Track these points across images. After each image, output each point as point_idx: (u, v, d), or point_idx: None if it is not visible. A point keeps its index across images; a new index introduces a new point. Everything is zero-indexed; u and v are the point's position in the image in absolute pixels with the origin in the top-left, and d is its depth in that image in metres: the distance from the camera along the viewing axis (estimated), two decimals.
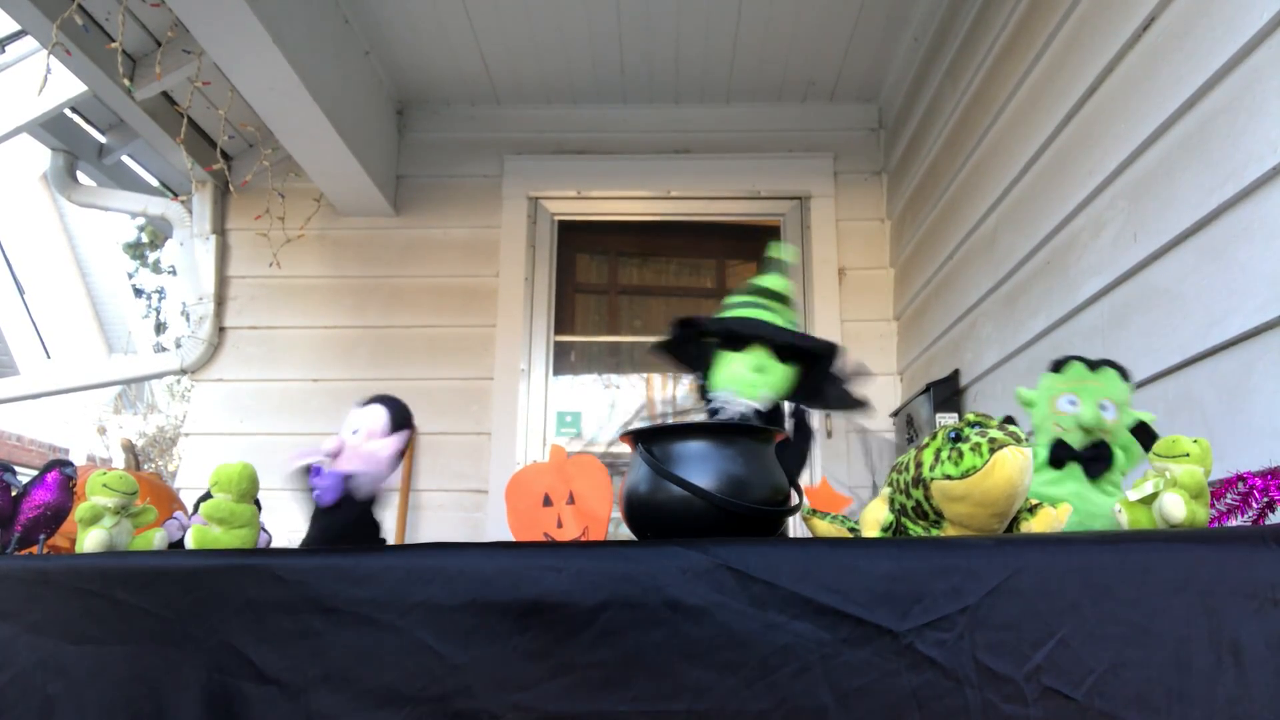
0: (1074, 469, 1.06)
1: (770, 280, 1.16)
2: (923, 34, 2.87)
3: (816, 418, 3.09)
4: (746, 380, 1.07)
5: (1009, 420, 1.08)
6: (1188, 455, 0.91)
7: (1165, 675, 0.72)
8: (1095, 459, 1.05)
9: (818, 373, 1.12)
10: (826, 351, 1.11)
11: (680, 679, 0.76)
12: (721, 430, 1.03)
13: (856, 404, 1.14)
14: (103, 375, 3.66)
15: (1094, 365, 1.10)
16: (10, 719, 0.84)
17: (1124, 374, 1.09)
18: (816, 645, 0.75)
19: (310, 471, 1.20)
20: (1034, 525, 0.91)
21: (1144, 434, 1.06)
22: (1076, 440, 1.07)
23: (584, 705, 0.77)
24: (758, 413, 1.08)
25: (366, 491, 1.21)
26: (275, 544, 1.31)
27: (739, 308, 1.13)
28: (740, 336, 1.08)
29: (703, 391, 1.13)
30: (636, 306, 3.55)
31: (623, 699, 0.76)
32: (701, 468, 0.98)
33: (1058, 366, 1.12)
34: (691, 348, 1.16)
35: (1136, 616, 0.73)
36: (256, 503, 1.31)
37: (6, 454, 9.29)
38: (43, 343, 9.53)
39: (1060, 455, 1.07)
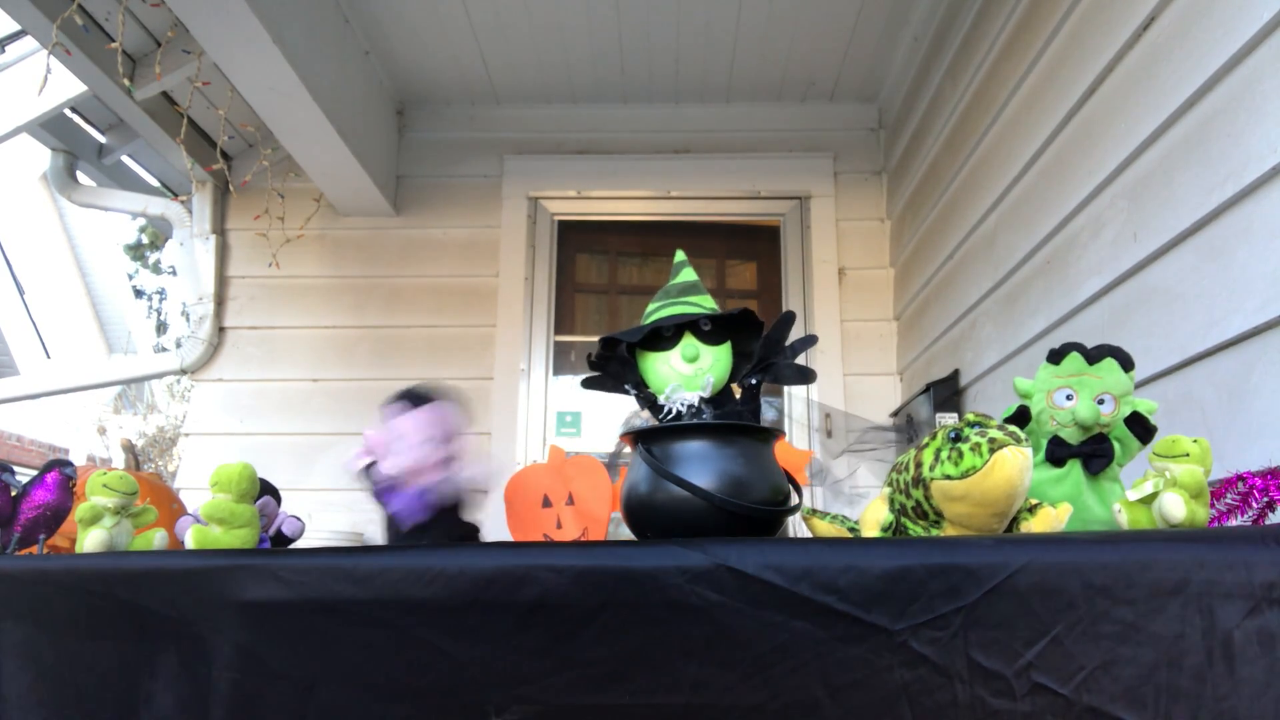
0: (1075, 465, 1.04)
1: (680, 276, 1.14)
2: (923, 34, 2.87)
3: (815, 416, 3.09)
4: (682, 372, 1.06)
5: (1020, 412, 1.06)
6: (1188, 455, 0.91)
7: (1156, 672, 0.73)
8: (1095, 455, 1.03)
9: (763, 346, 1.10)
10: (747, 318, 1.09)
11: (679, 674, 0.77)
12: (721, 430, 1.03)
13: (805, 377, 1.12)
14: (103, 375, 3.66)
15: (1093, 356, 1.04)
16: (45, 714, 0.85)
17: (1125, 363, 1.04)
18: (812, 643, 0.76)
19: (381, 498, 1.15)
20: (1034, 525, 0.91)
21: (1138, 425, 1.02)
22: (1073, 436, 1.04)
23: (586, 699, 0.78)
24: (709, 400, 1.07)
25: (445, 498, 1.17)
26: None
27: (656, 313, 1.11)
28: (661, 334, 1.07)
29: (651, 402, 1.10)
30: (636, 306, 3.55)
31: (623, 693, 0.77)
32: (701, 468, 0.98)
33: (1056, 357, 1.07)
34: (617, 368, 1.13)
35: (1131, 615, 0.74)
36: (274, 493, 1.31)
37: (6, 454, 9.29)
38: (43, 343, 9.53)
39: (1058, 453, 1.04)
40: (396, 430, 1.15)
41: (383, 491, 1.15)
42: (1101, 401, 1.02)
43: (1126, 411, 1.03)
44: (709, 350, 1.06)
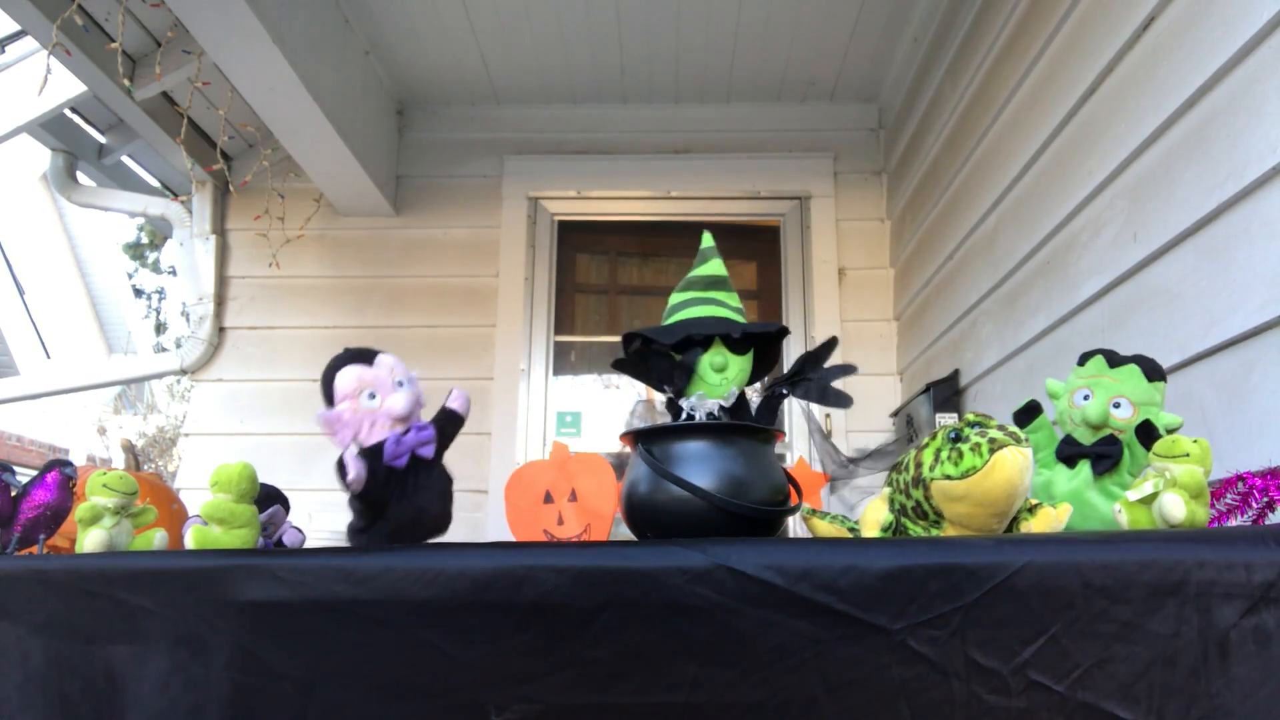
0: (1084, 466, 1.04)
1: (708, 268, 1.13)
2: (923, 34, 2.87)
3: (816, 413, 3.09)
4: (708, 380, 1.05)
5: (1029, 407, 1.07)
6: (1188, 455, 0.91)
7: (1151, 670, 0.74)
8: (1101, 455, 1.03)
9: (803, 362, 1.10)
10: (779, 333, 1.10)
11: (678, 673, 0.77)
12: (721, 430, 1.03)
13: (840, 401, 1.11)
14: (103, 375, 3.66)
15: (1116, 360, 1.06)
16: (43, 714, 0.85)
17: (1151, 373, 1.05)
18: (812, 642, 0.76)
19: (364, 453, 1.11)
20: (1034, 525, 0.91)
21: (1145, 434, 1.02)
22: (1085, 435, 1.05)
23: (586, 697, 0.78)
24: (724, 407, 1.07)
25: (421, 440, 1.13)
26: None
27: (684, 308, 1.10)
28: (691, 336, 1.06)
29: (671, 403, 1.10)
30: (636, 306, 3.55)
31: (623, 691, 0.78)
32: (701, 468, 0.98)
33: (1083, 359, 1.09)
34: (645, 361, 1.11)
35: (1129, 614, 0.75)
36: (284, 501, 1.30)
37: (6, 454, 9.29)
38: (43, 343, 9.53)
39: (1067, 452, 1.05)
40: (372, 382, 1.11)
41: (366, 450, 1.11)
42: (1117, 405, 1.03)
43: (1145, 419, 1.03)
44: (735, 359, 1.06)
